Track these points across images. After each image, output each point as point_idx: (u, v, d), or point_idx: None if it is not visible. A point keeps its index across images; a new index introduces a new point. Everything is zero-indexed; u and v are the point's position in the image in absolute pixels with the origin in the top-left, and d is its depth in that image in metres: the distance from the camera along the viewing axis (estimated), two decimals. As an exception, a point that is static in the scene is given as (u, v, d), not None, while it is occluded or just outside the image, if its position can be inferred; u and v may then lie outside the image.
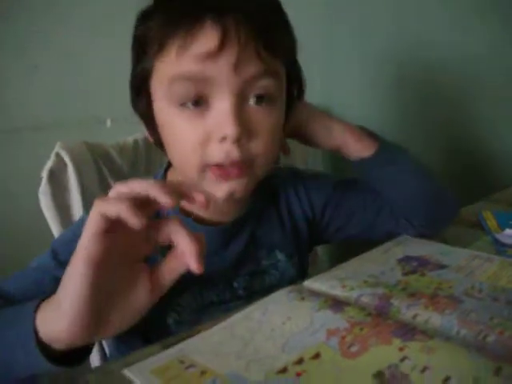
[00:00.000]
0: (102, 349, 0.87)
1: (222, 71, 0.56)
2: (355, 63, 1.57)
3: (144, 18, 0.62)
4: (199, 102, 0.59)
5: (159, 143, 0.67)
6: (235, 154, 0.59)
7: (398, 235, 0.82)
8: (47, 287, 0.56)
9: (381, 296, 0.60)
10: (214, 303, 0.71)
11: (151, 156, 0.96)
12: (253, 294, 0.71)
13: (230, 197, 0.63)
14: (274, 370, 0.46)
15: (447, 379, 0.44)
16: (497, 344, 0.50)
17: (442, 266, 0.69)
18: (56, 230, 0.83)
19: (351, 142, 0.74)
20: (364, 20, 1.52)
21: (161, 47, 0.58)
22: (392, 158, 0.77)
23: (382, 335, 0.51)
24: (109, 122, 1.29)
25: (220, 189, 0.62)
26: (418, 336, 0.50)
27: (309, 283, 0.65)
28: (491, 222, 0.89)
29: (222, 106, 0.58)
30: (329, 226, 0.82)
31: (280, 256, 0.76)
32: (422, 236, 0.81)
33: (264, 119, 0.61)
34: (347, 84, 1.63)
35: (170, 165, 0.74)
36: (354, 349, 0.49)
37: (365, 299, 0.60)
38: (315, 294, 0.62)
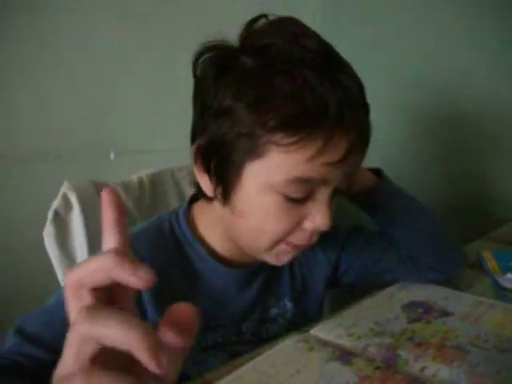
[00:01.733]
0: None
1: (337, 175, 0.60)
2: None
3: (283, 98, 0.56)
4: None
5: (219, 200, 0.64)
6: (315, 239, 0.65)
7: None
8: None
9: (388, 346, 0.61)
10: (219, 344, 0.71)
11: (156, 193, 0.97)
12: (260, 340, 0.71)
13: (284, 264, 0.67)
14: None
15: None
16: (505, 400, 0.50)
17: (447, 313, 0.70)
18: (60, 270, 0.83)
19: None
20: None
21: (293, 144, 0.56)
22: (393, 192, 0.80)
23: (392, 391, 0.51)
24: (112, 155, 1.30)
25: (285, 258, 0.66)
26: (427, 392, 0.51)
27: (315, 331, 0.65)
28: (491, 263, 0.90)
29: (321, 200, 0.61)
30: (343, 277, 0.84)
31: (289, 305, 0.77)
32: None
33: (332, 210, 0.64)
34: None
35: (193, 200, 0.74)
36: (365, 406, 0.49)
37: (372, 350, 0.60)
38: (322, 343, 0.62)
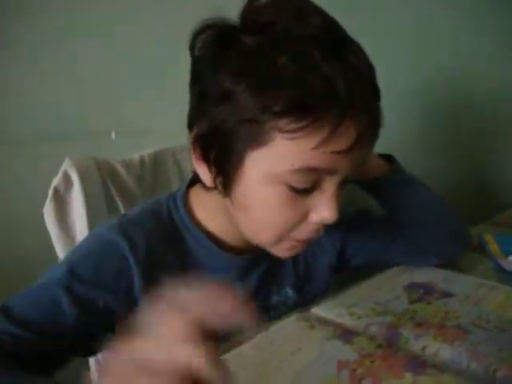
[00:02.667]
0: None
1: (346, 164, 0.56)
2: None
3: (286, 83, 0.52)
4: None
5: (220, 191, 0.60)
6: (321, 232, 0.61)
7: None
8: (65, 306, 0.55)
9: (389, 325, 0.61)
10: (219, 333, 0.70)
11: (157, 172, 0.96)
12: None
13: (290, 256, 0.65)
14: (286, 403, 0.46)
15: (460, 417, 0.44)
16: (506, 378, 0.50)
17: (448, 295, 0.70)
18: (60, 247, 0.83)
19: (367, 163, 0.74)
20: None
21: (300, 130, 0.51)
22: (405, 179, 0.78)
23: (394, 368, 0.51)
24: (113, 135, 1.29)
25: (288, 253, 0.64)
26: (429, 370, 0.51)
27: (316, 310, 0.65)
28: (493, 246, 0.89)
29: (328, 191, 0.57)
30: (349, 262, 0.82)
31: (290, 293, 0.75)
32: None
33: (340, 198, 0.61)
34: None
35: (192, 183, 0.71)
36: (365, 382, 0.49)
37: (373, 328, 0.60)
38: (323, 322, 0.62)
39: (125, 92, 1.33)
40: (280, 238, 0.60)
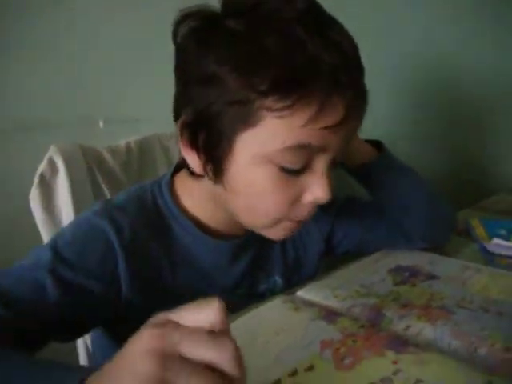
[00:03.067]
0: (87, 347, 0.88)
1: (336, 141, 0.56)
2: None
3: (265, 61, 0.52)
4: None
5: (210, 177, 0.60)
6: (314, 211, 0.61)
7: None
8: (49, 288, 0.54)
9: (372, 306, 0.61)
10: None
11: (144, 159, 0.96)
12: None
13: (284, 238, 0.65)
14: (268, 382, 0.46)
15: (440, 392, 0.44)
16: (488, 356, 0.51)
17: (433, 277, 0.70)
18: (45, 233, 0.83)
19: (356, 148, 0.75)
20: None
21: (288, 107, 0.52)
22: (392, 164, 0.78)
23: (375, 347, 0.51)
24: (101, 123, 1.28)
25: (282, 234, 0.64)
26: (410, 348, 0.51)
27: (302, 293, 0.66)
28: (479, 230, 0.90)
29: (320, 170, 0.57)
30: (336, 248, 0.83)
31: (279, 282, 0.75)
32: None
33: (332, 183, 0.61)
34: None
35: (177, 170, 0.70)
36: (347, 361, 0.49)
37: (356, 310, 0.60)
38: (309, 304, 0.62)
39: (113, 80, 1.32)
40: (276, 221, 0.60)
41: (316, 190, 0.58)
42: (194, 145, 0.58)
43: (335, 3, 0.60)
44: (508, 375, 0.47)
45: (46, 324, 0.55)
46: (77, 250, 0.59)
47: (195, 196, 0.67)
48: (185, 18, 0.57)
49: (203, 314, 0.36)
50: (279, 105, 0.51)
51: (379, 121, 1.52)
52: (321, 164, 0.57)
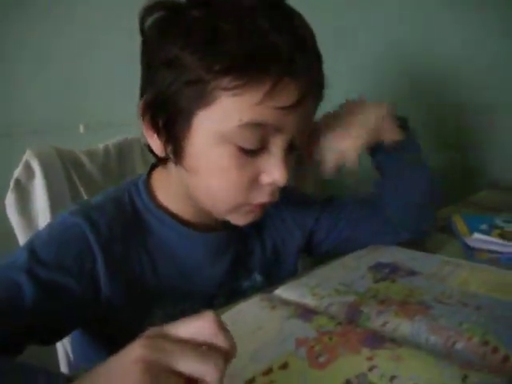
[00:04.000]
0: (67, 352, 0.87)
1: (291, 123, 0.58)
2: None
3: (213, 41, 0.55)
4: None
5: (171, 158, 0.62)
6: (276, 195, 0.63)
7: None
8: (26, 289, 0.53)
9: (351, 304, 0.60)
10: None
11: (122, 162, 0.95)
12: None
13: (247, 223, 0.66)
14: (242, 380, 0.45)
15: (415, 388, 0.44)
16: (465, 351, 0.50)
17: (413, 273, 0.70)
18: (22, 238, 0.82)
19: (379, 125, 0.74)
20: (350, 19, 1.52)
21: (241, 86, 0.54)
22: (400, 156, 0.78)
23: (351, 344, 0.51)
24: (82, 128, 1.27)
25: (245, 219, 0.65)
26: (386, 344, 0.50)
27: (280, 292, 0.65)
28: (460, 225, 0.89)
29: (276, 152, 0.59)
30: (318, 247, 0.83)
31: (258, 278, 0.75)
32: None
33: (291, 165, 0.63)
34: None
35: (153, 168, 0.71)
36: (322, 359, 0.48)
37: (334, 308, 0.60)
38: (286, 302, 0.61)
39: (94, 85, 1.31)
40: (236, 203, 0.62)
41: (273, 171, 0.59)
42: (154, 127, 0.60)
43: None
44: (484, 369, 0.47)
45: (24, 326, 0.54)
46: (53, 250, 0.58)
47: (170, 190, 0.68)
48: (150, 9, 0.59)
49: (197, 327, 0.37)
50: (233, 84, 0.54)
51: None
52: (277, 146, 0.59)
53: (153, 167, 0.71)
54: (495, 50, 1.21)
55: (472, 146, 1.32)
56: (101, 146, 0.94)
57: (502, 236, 0.80)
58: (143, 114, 0.61)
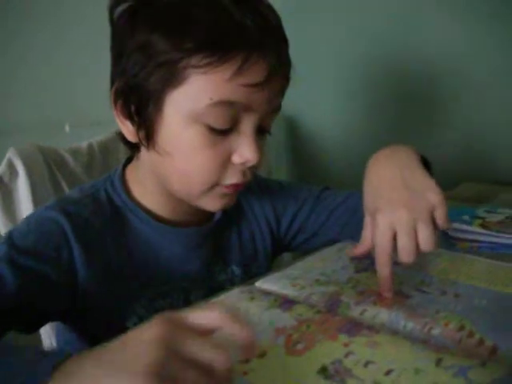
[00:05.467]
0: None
1: (259, 101, 0.59)
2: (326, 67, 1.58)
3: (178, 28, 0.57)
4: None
5: (143, 144, 0.63)
6: (249, 176, 0.64)
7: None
8: (8, 278, 0.54)
9: (331, 293, 0.61)
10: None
11: (106, 160, 0.95)
12: None
13: (222, 209, 0.67)
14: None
15: (389, 372, 0.44)
16: (441, 336, 0.51)
17: (395, 263, 0.70)
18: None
19: None
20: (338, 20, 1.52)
21: (212, 64, 0.56)
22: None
23: (329, 332, 0.51)
24: (67, 127, 1.27)
25: (219, 203, 0.65)
26: (363, 331, 0.51)
27: (260, 283, 0.65)
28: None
29: (246, 131, 0.60)
30: (296, 237, 0.84)
31: (237, 271, 0.76)
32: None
33: (261, 148, 0.64)
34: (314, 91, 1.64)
35: (127, 162, 0.72)
36: (300, 346, 0.49)
37: (314, 297, 0.60)
38: (266, 293, 0.62)
39: (79, 83, 1.31)
40: (209, 184, 0.62)
41: (243, 150, 0.60)
42: (126, 113, 0.61)
43: None
44: (459, 352, 0.48)
45: (6, 312, 0.54)
46: (31, 239, 0.60)
47: (144, 185, 0.68)
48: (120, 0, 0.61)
49: (208, 317, 0.39)
50: (203, 62, 0.55)
51: (342, 116, 1.53)
52: (247, 125, 0.60)
53: (126, 162, 0.72)
54: (483, 48, 1.23)
55: (454, 139, 1.33)
56: (85, 143, 0.94)
57: (483, 226, 0.81)
58: (115, 101, 0.62)
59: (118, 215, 0.67)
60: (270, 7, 0.61)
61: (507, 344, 0.49)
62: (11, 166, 0.83)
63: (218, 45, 0.55)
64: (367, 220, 0.66)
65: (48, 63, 1.25)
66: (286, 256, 0.92)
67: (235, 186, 0.64)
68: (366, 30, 1.43)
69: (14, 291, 0.54)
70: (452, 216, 0.87)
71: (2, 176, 0.81)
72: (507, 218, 0.85)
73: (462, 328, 0.52)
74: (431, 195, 0.59)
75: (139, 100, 0.59)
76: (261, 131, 0.63)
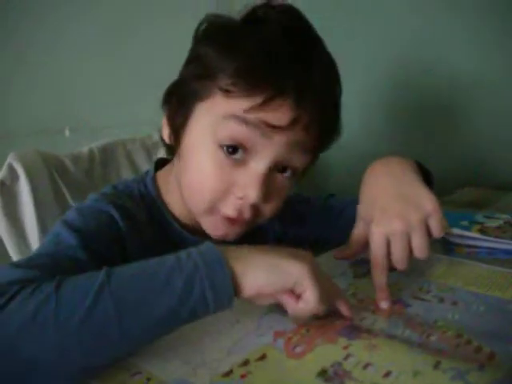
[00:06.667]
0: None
1: (274, 145, 0.60)
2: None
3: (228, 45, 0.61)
4: (236, 151, 0.60)
5: (173, 149, 0.67)
6: (247, 214, 0.63)
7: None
8: (84, 259, 0.55)
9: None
10: None
11: (107, 165, 0.96)
12: None
13: (221, 239, 0.66)
14: (220, 373, 0.46)
15: (388, 374, 0.45)
16: (439, 341, 0.51)
17: (393, 269, 0.70)
18: (9, 242, 0.82)
19: None
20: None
21: (234, 91, 0.58)
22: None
23: (328, 335, 0.52)
24: (67, 132, 1.27)
25: (220, 230, 0.65)
26: (363, 335, 0.51)
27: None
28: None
29: (255, 168, 0.60)
30: (302, 245, 0.84)
31: None
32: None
33: (283, 187, 0.65)
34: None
35: (158, 166, 0.74)
36: (299, 349, 0.49)
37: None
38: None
39: (79, 88, 1.31)
40: (208, 206, 0.63)
41: (246, 186, 0.60)
42: (167, 115, 0.66)
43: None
44: (457, 356, 0.48)
45: None
46: (93, 226, 0.60)
47: (173, 193, 0.70)
48: (204, 23, 0.65)
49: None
50: (230, 87, 0.58)
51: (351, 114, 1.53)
52: (258, 163, 0.60)
53: (157, 165, 0.75)
54: (491, 61, 1.24)
55: (452, 144, 1.34)
56: (85, 149, 0.94)
57: (482, 231, 0.81)
58: (163, 103, 0.66)
59: (153, 218, 0.69)
60: (329, 61, 0.64)
61: (505, 350, 0.49)
62: (12, 171, 0.83)
63: (252, 77, 0.57)
64: (359, 225, 0.67)
65: (48, 68, 1.26)
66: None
67: (230, 219, 0.63)
68: (372, 40, 1.44)
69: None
70: (450, 221, 0.88)
71: (3, 180, 0.82)
72: (506, 223, 0.85)
73: (459, 335, 0.52)
74: (426, 204, 0.60)
75: (176, 105, 0.64)
76: (283, 169, 0.63)
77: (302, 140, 0.61)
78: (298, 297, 0.50)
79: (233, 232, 0.66)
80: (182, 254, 0.48)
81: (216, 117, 0.59)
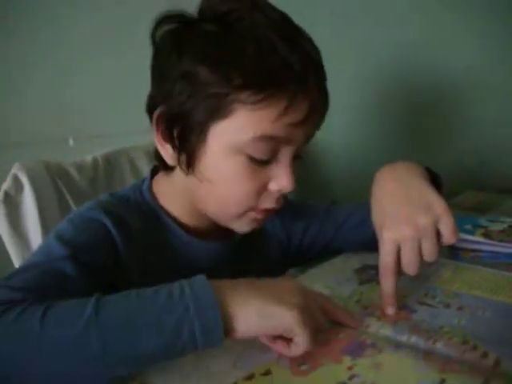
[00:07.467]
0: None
1: (299, 135, 0.62)
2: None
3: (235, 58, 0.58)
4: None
5: (183, 168, 0.64)
6: (281, 202, 0.66)
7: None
8: (72, 273, 0.55)
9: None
10: None
11: (111, 174, 0.96)
12: None
13: (249, 231, 0.68)
14: (225, 384, 0.46)
15: (393, 392, 0.45)
16: (445, 348, 0.51)
17: (399, 274, 0.71)
18: (13, 251, 0.82)
19: None
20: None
21: (259, 101, 0.57)
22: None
23: (332, 354, 0.51)
24: (71, 141, 1.27)
25: (249, 226, 0.67)
26: (367, 351, 0.51)
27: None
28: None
29: (285, 161, 0.62)
30: (308, 252, 0.85)
31: None
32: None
33: (295, 171, 0.65)
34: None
35: (153, 174, 0.73)
36: (304, 367, 0.49)
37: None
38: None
39: (83, 97, 1.32)
40: (244, 209, 0.64)
41: (281, 179, 0.62)
42: (168, 137, 0.63)
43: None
44: (465, 363, 0.48)
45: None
46: (85, 237, 0.60)
47: (174, 198, 0.69)
48: (162, 20, 0.62)
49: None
50: (252, 99, 0.57)
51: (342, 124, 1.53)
52: (286, 155, 0.62)
53: (153, 173, 0.73)
54: (494, 61, 1.23)
55: (453, 148, 1.34)
56: (89, 157, 0.95)
57: (486, 235, 0.81)
58: (157, 125, 0.63)
59: (150, 224, 0.68)
60: (310, 41, 0.62)
61: (511, 355, 0.49)
62: (16, 181, 0.83)
63: (266, 82, 0.56)
64: (378, 235, 0.65)
65: (51, 77, 1.26)
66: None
67: (268, 211, 0.65)
68: (375, 42, 1.44)
69: (82, 289, 0.53)
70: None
71: (7, 191, 0.82)
72: (510, 227, 0.85)
73: (465, 342, 0.52)
74: (435, 207, 0.59)
75: (183, 127, 0.61)
76: (296, 156, 0.64)
77: (315, 123, 0.64)
78: (290, 339, 0.50)
79: (261, 223, 0.68)
80: (176, 289, 0.48)
81: (243, 134, 0.59)
